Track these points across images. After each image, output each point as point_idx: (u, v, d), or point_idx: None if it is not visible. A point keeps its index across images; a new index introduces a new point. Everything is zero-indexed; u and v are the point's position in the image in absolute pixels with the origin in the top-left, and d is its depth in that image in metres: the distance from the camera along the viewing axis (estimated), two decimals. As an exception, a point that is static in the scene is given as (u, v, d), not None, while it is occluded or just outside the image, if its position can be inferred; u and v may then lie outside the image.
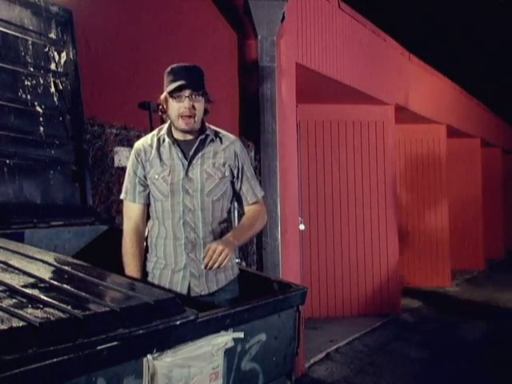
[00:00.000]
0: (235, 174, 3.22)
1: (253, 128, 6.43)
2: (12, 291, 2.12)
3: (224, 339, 2.55)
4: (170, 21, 5.66)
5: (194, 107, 3.06)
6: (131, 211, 3.21)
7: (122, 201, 3.32)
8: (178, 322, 2.28)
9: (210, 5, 6.26)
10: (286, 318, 3.12)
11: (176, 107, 3.06)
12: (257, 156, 6.42)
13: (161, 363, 2.22)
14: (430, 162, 13.35)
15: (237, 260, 4.83)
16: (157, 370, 2.21)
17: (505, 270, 16.03)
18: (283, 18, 6.48)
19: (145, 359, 2.18)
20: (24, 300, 2.06)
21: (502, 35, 23.14)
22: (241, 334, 2.65)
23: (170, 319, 2.27)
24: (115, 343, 2.02)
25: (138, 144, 3.25)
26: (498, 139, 18.62)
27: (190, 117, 3.06)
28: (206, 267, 3.00)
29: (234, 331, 2.61)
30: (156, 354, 2.21)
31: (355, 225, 9.95)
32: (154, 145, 3.18)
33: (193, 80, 3.06)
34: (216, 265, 2.96)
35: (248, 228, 3.25)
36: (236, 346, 2.64)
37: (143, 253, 3.21)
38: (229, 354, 2.59)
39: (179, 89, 3.03)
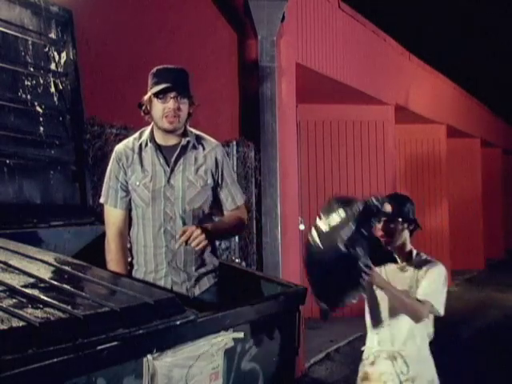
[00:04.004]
0: (216, 181, 3.17)
1: (253, 128, 6.43)
2: (12, 291, 2.12)
3: (224, 339, 2.55)
4: (170, 21, 5.65)
5: (179, 109, 3.02)
6: (113, 217, 3.14)
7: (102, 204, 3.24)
8: (178, 322, 2.28)
9: (210, 5, 6.26)
10: (286, 318, 3.12)
11: (161, 108, 3.01)
12: (257, 156, 6.42)
13: (161, 363, 2.22)
14: (430, 162, 13.35)
15: (237, 260, 4.81)
16: (157, 370, 2.21)
17: (505, 269, 16.03)
18: (283, 18, 6.49)
19: (145, 359, 2.18)
20: (24, 300, 2.06)
21: (502, 35, 23.13)
22: (241, 334, 2.64)
23: (170, 319, 2.26)
24: (115, 343, 2.02)
25: (119, 148, 3.17)
26: (498, 139, 18.62)
27: (174, 117, 3.02)
28: (180, 245, 2.97)
29: (234, 331, 2.61)
30: (156, 354, 2.21)
31: (355, 225, 9.94)
32: (136, 149, 3.12)
33: (178, 82, 3.02)
34: (192, 244, 2.90)
35: (227, 224, 3.20)
36: (236, 346, 2.63)
37: (127, 259, 3.16)
38: (229, 354, 2.59)
39: (164, 91, 3.00)
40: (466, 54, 22.52)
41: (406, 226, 3.38)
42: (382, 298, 3.37)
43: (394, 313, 3.35)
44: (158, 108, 3.02)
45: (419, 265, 3.37)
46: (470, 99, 15.70)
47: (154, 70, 3.08)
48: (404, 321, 3.31)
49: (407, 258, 3.41)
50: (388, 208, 3.35)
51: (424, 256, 3.44)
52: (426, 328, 3.41)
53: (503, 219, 18.84)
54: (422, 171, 13.38)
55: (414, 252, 3.43)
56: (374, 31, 9.66)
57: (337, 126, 10.08)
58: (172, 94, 3.00)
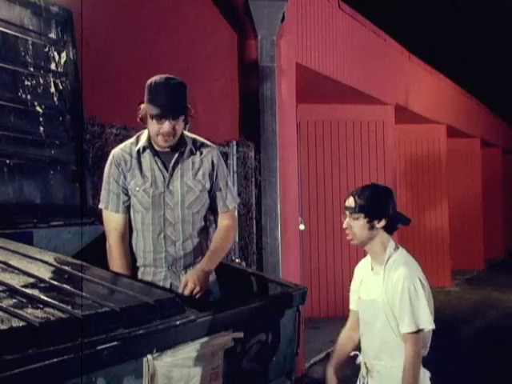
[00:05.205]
0: (211, 184, 3.17)
1: (253, 128, 6.43)
2: (12, 291, 2.12)
3: (224, 339, 2.55)
4: (170, 21, 5.65)
5: (174, 129, 3.00)
6: (115, 222, 3.11)
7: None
8: (177, 322, 2.29)
9: (210, 5, 6.26)
10: (286, 318, 3.12)
11: (156, 128, 2.99)
12: (257, 156, 6.42)
13: (161, 363, 2.22)
14: (430, 162, 13.35)
15: (237, 260, 4.82)
16: (157, 370, 2.21)
17: (504, 269, 16.03)
18: (283, 18, 6.49)
19: (145, 359, 2.18)
20: (24, 300, 2.06)
21: (502, 35, 23.14)
22: (241, 334, 2.65)
23: (170, 319, 2.27)
24: (115, 343, 2.02)
25: (117, 152, 3.15)
26: (498, 139, 18.62)
27: (169, 136, 3.01)
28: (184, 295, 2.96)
29: (234, 331, 2.61)
30: (156, 354, 2.21)
31: (355, 225, 9.93)
32: (134, 154, 3.11)
33: (174, 106, 2.98)
34: (193, 293, 2.93)
35: (220, 251, 3.19)
36: (236, 346, 2.64)
37: (131, 263, 3.13)
38: (229, 354, 2.59)
39: (160, 116, 2.96)
40: (466, 54, 22.51)
41: (375, 222, 2.84)
42: (360, 308, 3.05)
43: (367, 323, 2.96)
44: (154, 127, 3.00)
45: (389, 271, 2.87)
46: (470, 99, 15.70)
47: (152, 82, 3.00)
48: (375, 331, 2.88)
49: (381, 260, 2.90)
50: (350, 202, 2.89)
51: (397, 258, 2.90)
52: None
53: (503, 219, 18.84)
54: (422, 171, 13.38)
55: (390, 253, 2.89)
56: (374, 31, 9.66)
57: (337, 126, 10.08)
58: (168, 117, 2.97)
